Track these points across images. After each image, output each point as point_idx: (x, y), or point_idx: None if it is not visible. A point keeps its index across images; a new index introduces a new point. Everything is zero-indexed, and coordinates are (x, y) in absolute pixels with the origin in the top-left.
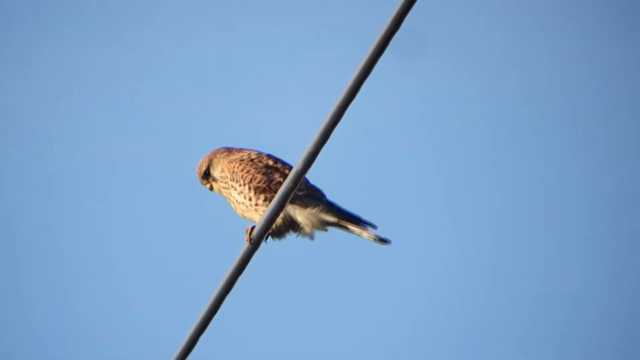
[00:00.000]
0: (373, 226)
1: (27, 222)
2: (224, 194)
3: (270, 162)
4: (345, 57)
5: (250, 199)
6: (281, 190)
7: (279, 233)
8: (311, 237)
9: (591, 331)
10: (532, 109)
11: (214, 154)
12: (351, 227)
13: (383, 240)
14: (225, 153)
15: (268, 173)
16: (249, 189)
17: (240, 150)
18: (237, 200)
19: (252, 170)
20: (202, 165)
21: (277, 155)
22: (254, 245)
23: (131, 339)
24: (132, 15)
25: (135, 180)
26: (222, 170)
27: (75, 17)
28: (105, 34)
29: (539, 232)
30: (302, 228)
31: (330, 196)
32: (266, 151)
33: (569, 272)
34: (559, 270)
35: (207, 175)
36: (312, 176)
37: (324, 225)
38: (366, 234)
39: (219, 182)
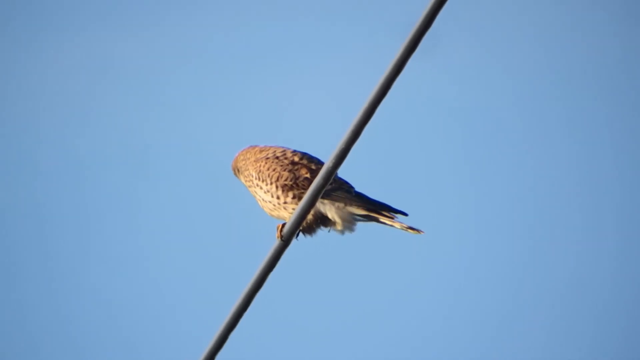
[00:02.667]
0: (404, 214)
1: (55, 210)
2: (251, 192)
3: (296, 158)
4: (377, 52)
5: (278, 197)
6: (312, 187)
7: (309, 229)
8: (349, 229)
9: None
10: (563, 98)
11: (243, 155)
12: (382, 218)
13: (416, 230)
14: (250, 153)
15: (294, 170)
16: (276, 187)
17: (265, 148)
18: (263, 199)
19: (278, 168)
20: (234, 162)
21: (307, 151)
22: (285, 242)
23: (163, 335)
24: (164, 3)
25: (166, 175)
26: (247, 169)
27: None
28: (136, 22)
29: (572, 224)
30: (333, 223)
31: (359, 189)
32: (295, 147)
33: (602, 266)
34: (592, 266)
35: (238, 172)
36: (340, 170)
37: (354, 218)
38: (398, 225)
39: (246, 182)
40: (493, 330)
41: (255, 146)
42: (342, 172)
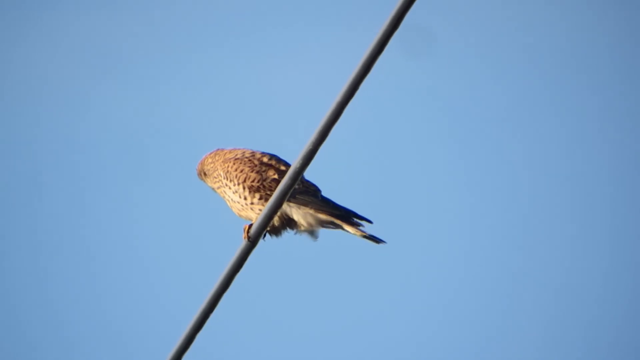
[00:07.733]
0: (369, 221)
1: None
2: (220, 193)
3: (265, 159)
4: (345, 52)
5: (245, 198)
6: (279, 187)
7: (275, 231)
8: (313, 236)
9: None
10: (542, 101)
11: (212, 158)
12: (346, 227)
13: (378, 240)
14: (219, 155)
15: (262, 171)
16: (244, 188)
17: (233, 150)
18: (232, 199)
19: (246, 169)
20: (200, 165)
21: (275, 152)
22: (252, 242)
23: (128, 336)
24: None
25: (132, 176)
26: (216, 169)
27: None
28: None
29: (560, 224)
30: (298, 226)
31: (327, 193)
32: (264, 148)
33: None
34: (583, 265)
35: (205, 175)
36: (308, 173)
37: (319, 223)
38: (360, 234)
39: (213, 184)
40: (478, 331)
41: (223, 149)
42: (313, 178)
